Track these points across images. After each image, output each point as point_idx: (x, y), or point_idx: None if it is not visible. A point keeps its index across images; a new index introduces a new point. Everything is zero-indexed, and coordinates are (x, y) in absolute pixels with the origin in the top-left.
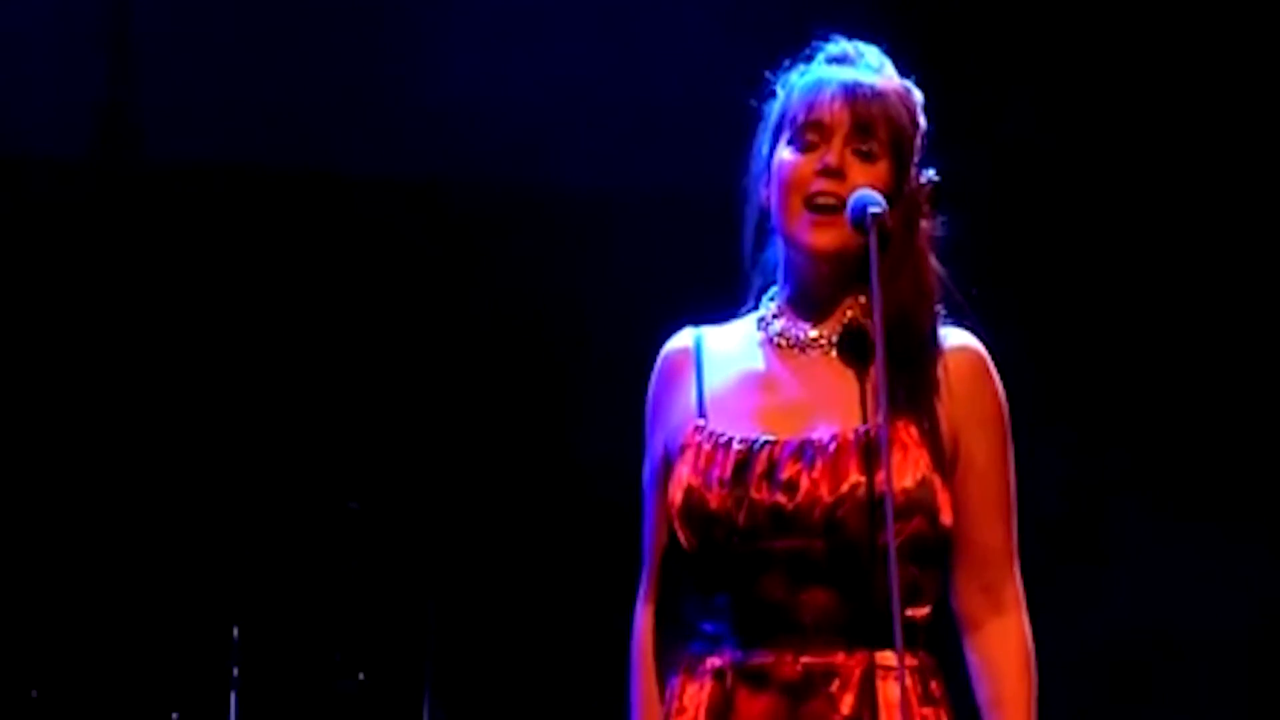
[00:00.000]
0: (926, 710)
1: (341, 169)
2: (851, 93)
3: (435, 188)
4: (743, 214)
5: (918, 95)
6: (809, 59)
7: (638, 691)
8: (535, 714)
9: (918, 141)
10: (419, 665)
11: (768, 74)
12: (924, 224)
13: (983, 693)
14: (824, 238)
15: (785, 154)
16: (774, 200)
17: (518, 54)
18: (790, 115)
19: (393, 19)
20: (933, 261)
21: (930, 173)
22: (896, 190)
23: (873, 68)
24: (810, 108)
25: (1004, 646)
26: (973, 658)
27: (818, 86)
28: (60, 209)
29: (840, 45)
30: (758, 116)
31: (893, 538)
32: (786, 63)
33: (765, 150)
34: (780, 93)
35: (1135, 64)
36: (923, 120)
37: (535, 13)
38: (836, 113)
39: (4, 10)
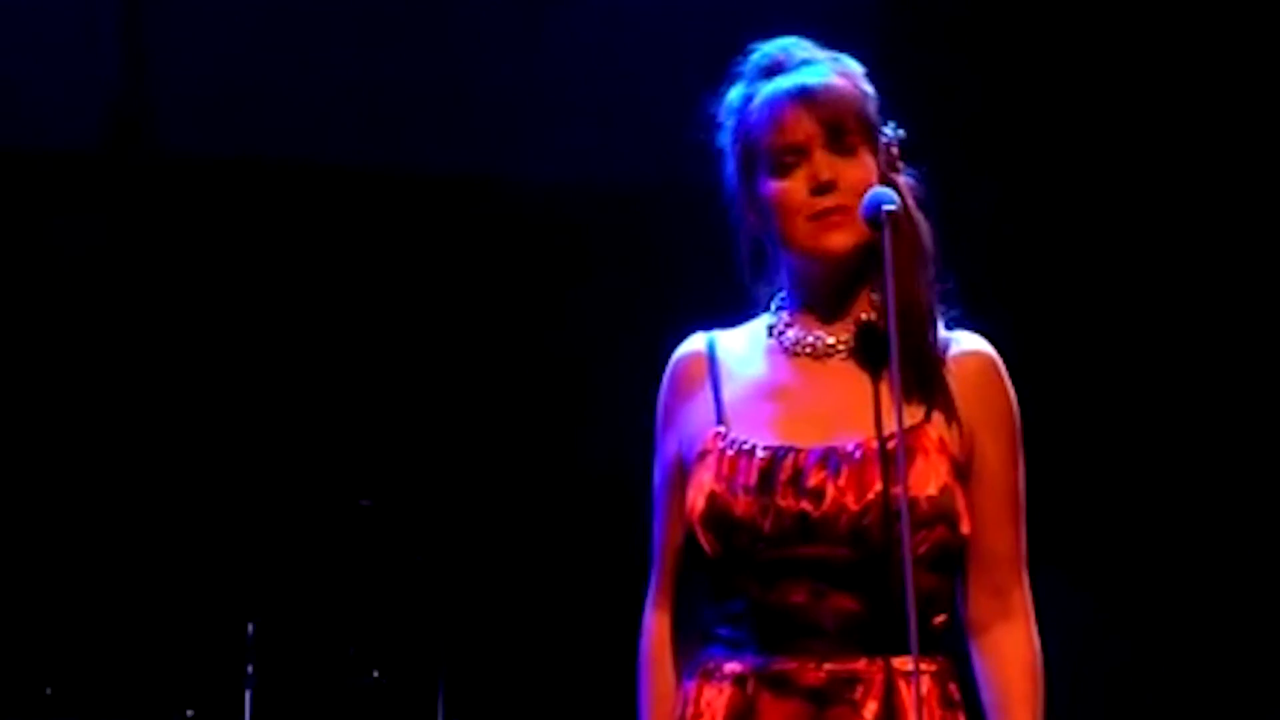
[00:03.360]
0: (946, 713)
1: (352, 163)
2: (809, 99)
3: (446, 183)
4: (734, 243)
5: (856, 66)
6: (737, 77)
7: (650, 693)
8: (548, 710)
9: (875, 109)
10: (433, 661)
11: (702, 108)
12: (901, 180)
13: (989, 697)
14: (837, 240)
15: (772, 184)
16: (774, 228)
17: (535, 46)
18: (759, 144)
19: (404, 12)
20: (921, 217)
21: (890, 129)
22: (880, 167)
23: (807, 61)
24: (778, 131)
25: (1011, 651)
26: (980, 662)
27: (772, 106)
28: (72, 202)
29: (766, 53)
30: (711, 149)
31: (908, 546)
32: (721, 88)
33: (739, 182)
34: (728, 122)
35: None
36: (870, 88)
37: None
38: (806, 126)
39: (17, 3)
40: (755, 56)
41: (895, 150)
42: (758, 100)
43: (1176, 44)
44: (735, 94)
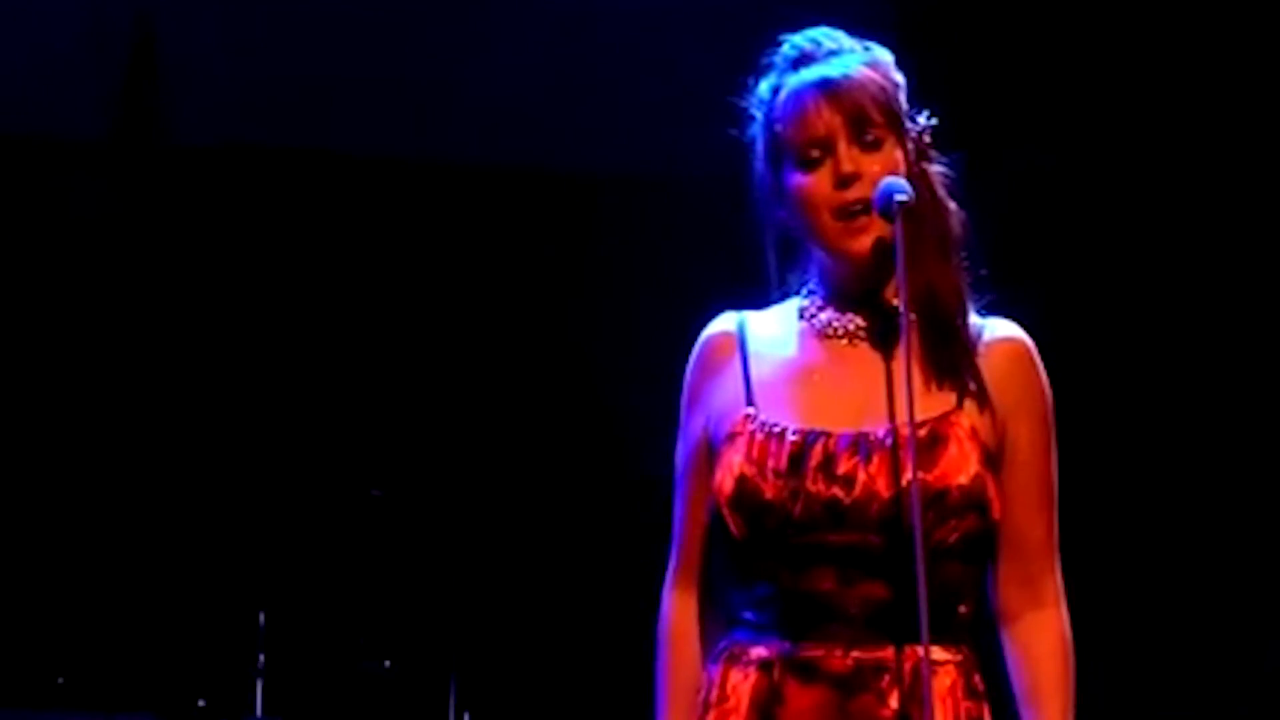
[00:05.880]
0: (970, 704)
1: (371, 152)
2: (832, 93)
3: (455, 172)
4: (761, 237)
5: (884, 55)
6: (768, 69)
7: (670, 675)
8: (560, 698)
9: (903, 100)
10: (444, 651)
11: (735, 100)
12: (933, 170)
13: (1021, 685)
14: (863, 242)
15: (797, 178)
16: (800, 223)
17: (547, 39)
18: (783, 137)
19: (416, 2)
20: (952, 206)
21: (923, 117)
22: (907, 158)
23: (834, 52)
24: (801, 125)
25: (1043, 640)
26: (1011, 650)
27: (797, 99)
28: (83, 189)
29: (794, 45)
30: (741, 142)
31: (919, 534)
32: (750, 81)
33: (767, 175)
34: (757, 114)
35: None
36: (899, 77)
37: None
38: (828, 119)
39: None
40: (785, 48)
41: (926, 139)
42: (783, 93)
43: (1200, 30)
44: (764, 86)
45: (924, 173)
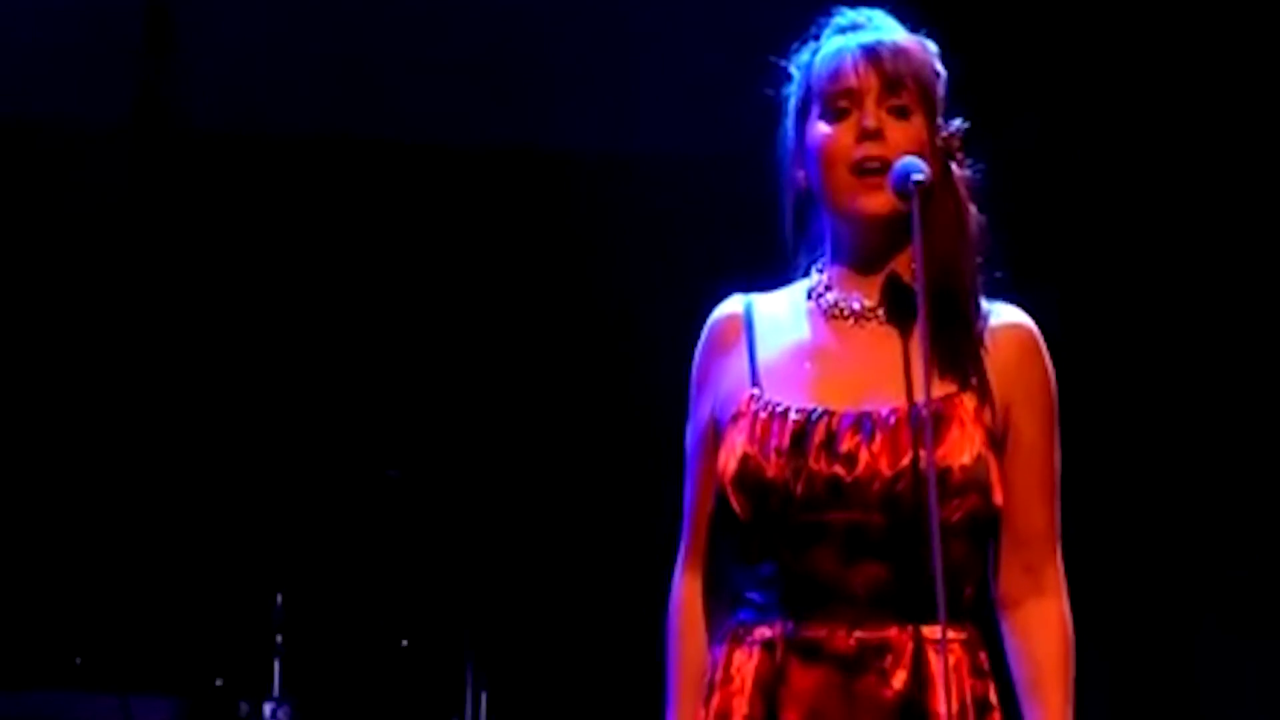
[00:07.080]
0: (976, 682)
1: (390, 136)
2: (874, 52)
3: (467, 155)
4: (779, 198)
5: (933, 46)
6: (815, 37)
7: (679, 656)
8: (577, 678)
9: (942, 91)
10: (461, 631)
11: (777, 60)
12: (959, 172)
13: (1021, 673)
14: (875, 202)
15: (820, 127)
16: (816, 175)
17: (565, 21)
18: (816, 88)
19: None
20: (972, 209)
21: (957, 121)
22: (931, 142)
23: (885, 28)
24: (836, 76)
25: (1044, 628)
26: (1012, 638)
27: (838, 54)
28: (100, 176)
29: (846, 15)
30: (776, 103)
31: (935, 511)
32: (795, 45)
33: (793, 131)
34: (795, 74)
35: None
36: (942, 69)
37: None
38: (863, 75)
39: None
40: (836, 17)
41: (956, 143)
42: (824, 50)
43: (1206, 24)
44: (808, 49)
45: (948, 170)
